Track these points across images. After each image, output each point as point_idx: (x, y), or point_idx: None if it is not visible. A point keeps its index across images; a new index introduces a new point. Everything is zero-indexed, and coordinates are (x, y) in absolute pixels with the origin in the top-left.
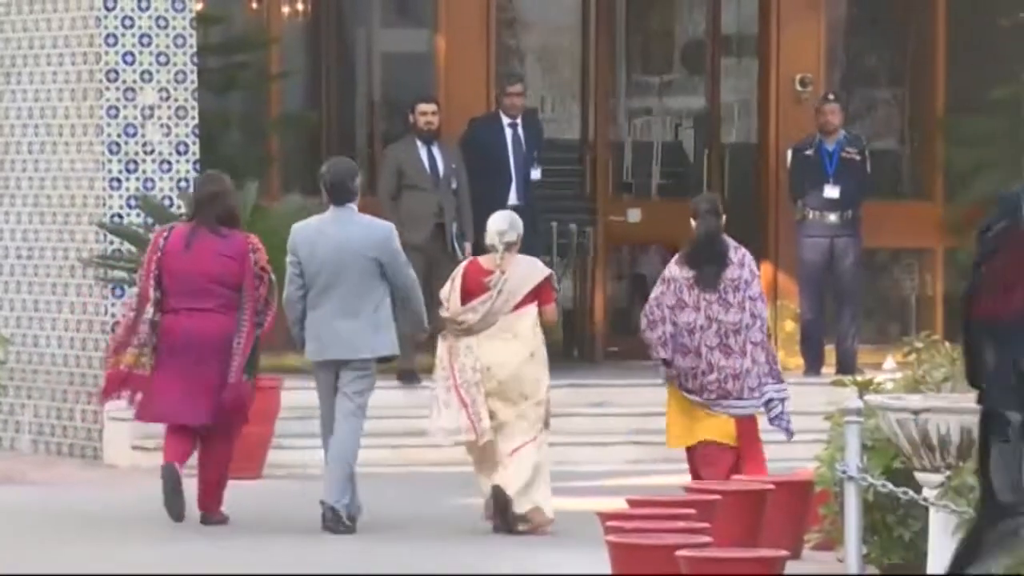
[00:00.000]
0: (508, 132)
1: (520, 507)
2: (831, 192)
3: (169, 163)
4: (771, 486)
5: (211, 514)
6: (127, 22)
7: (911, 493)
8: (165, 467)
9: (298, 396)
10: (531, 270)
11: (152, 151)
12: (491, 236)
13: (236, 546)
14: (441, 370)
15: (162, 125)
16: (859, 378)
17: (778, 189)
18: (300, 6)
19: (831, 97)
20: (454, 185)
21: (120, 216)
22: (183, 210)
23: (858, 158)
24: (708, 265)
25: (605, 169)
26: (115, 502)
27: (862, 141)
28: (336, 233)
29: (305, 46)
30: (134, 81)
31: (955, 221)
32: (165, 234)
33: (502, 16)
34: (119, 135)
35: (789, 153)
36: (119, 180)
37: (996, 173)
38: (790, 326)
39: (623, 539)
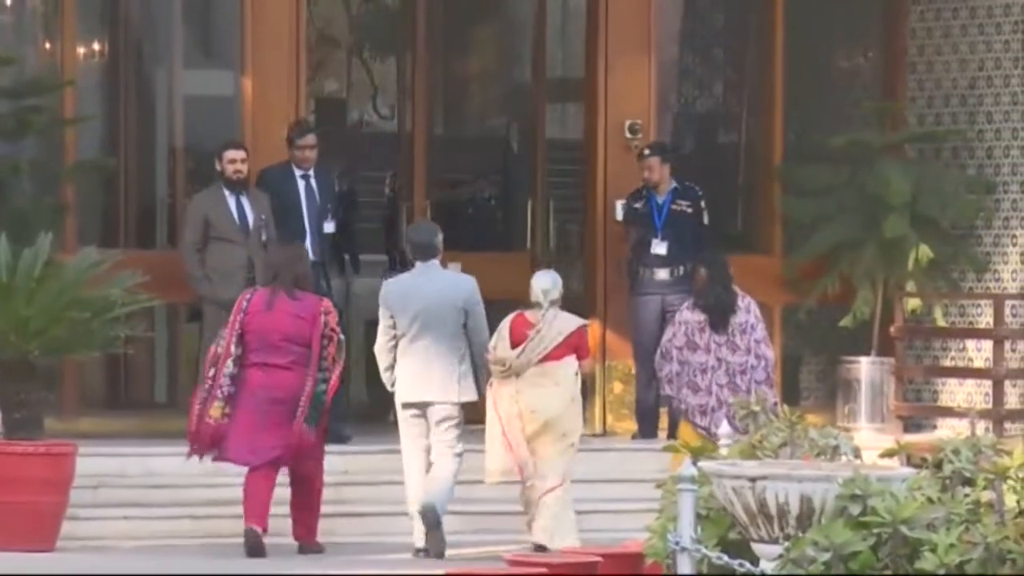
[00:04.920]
0: (300, 183)
1: (553, 546)
2: (658, 248)
3: None
4: (598, 558)
5: (308, 544)
6: None
7: (747, 565)
8: (248, 531)
9: (94, 463)
10: (566, 321)
11: None
12: (536, 294)
13: None
14: (491, 415)
15: None
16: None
17: (606, 242)
18: (96, 46)
19: (647, 152)
20: (264, 237)
21: None
22: None
23: (690, 210)
24: (719, 310)
25: None
26: None
27: (697, 192)
28: (425, 286)
29: (102, 89)
30: None
31: (794, 276)
32: (248, 296)
33: (312, 58)
34: None
35: (620, 205)
36: None
37: (836, 225)
38: (619, 387)
39: None
